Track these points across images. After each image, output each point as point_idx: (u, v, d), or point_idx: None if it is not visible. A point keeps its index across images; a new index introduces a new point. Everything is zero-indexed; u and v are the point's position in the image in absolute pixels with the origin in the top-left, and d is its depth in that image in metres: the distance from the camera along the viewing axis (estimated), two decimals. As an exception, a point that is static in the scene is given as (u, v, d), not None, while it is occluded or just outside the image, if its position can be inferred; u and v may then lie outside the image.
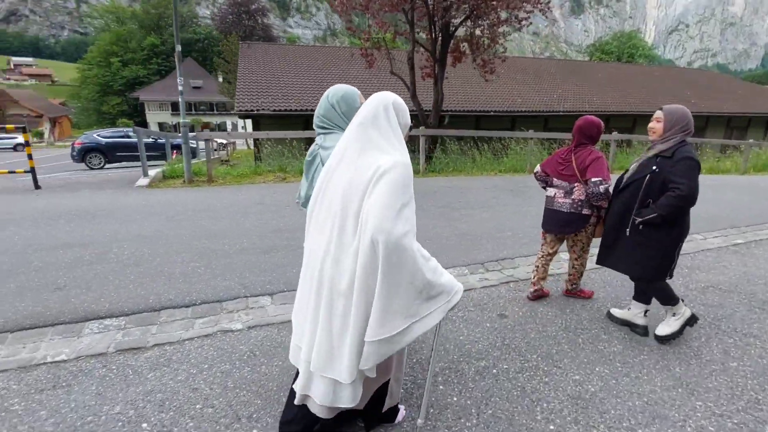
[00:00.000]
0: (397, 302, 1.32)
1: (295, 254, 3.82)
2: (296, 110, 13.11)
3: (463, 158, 9.96)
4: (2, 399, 2.01)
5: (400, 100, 1.49)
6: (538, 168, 3.10)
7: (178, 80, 6.80)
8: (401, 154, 1.38)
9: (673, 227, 2.37)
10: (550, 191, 2.98)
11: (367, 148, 1.38)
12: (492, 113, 15.12)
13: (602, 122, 2.91)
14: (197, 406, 1.97)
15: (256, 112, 12.62)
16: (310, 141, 10.63)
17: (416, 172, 8.90)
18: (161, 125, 46.30)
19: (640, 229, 2.41)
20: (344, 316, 1.40)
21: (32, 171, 6.53)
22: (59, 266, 3.50)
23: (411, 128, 1.66)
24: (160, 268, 3.52)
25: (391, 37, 9.42)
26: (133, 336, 2.59)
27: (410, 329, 1.36)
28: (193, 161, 8.23)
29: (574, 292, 3.22)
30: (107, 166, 14.18)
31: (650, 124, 2.46)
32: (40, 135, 48.36)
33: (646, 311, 2.69)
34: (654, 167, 2.35)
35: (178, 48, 6.79)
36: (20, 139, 37.07)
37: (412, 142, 9.45)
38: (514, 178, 8.81)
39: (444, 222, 5.13)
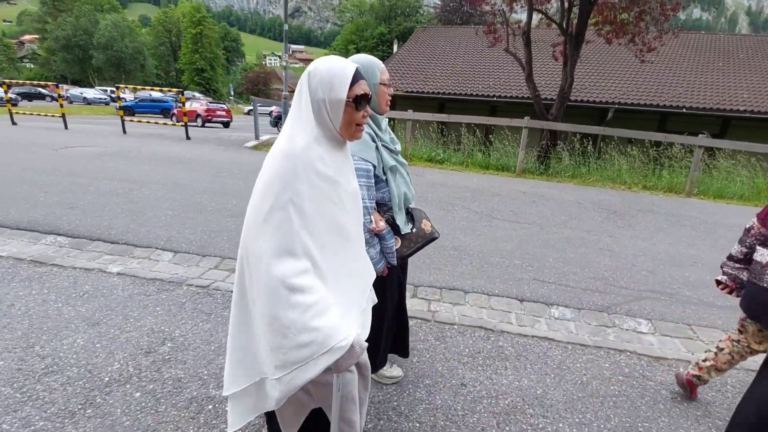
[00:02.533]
0: (256, 342, 1.06)
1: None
2: (429, 93, 12.75)
3: (599, 163, 7.78)
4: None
5: (323, 66, 1.09)
6: (753, 222, 1.71)
7: (284, 55, 7.68)
8: (290, 140, 1.06)
9: None
10: (761, 253, 1.66)
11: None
12: (683, 110, 10.49)
13: None
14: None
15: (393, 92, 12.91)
16: (438, 123, 10.05)
17: (512, 170, 7.47)
18: (373, 102, 54.13)
19: None
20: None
21: (185, 125, 8.73)
22: (100, 192, 4.53)
23: (347, 102, 1.08)
24: (141, 209, 4.12)
25: (507, 7, 7.85)
26: (57, 253, 3.17)
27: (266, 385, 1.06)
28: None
29: (695, 383, 2.06)
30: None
31: None
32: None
33: None
34: None
35: (285, 27, 7.57)
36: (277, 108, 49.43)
37: (517, 134, 7.90)
38: (648, 198, 6.35)
39: (449, 229, 4.19)
